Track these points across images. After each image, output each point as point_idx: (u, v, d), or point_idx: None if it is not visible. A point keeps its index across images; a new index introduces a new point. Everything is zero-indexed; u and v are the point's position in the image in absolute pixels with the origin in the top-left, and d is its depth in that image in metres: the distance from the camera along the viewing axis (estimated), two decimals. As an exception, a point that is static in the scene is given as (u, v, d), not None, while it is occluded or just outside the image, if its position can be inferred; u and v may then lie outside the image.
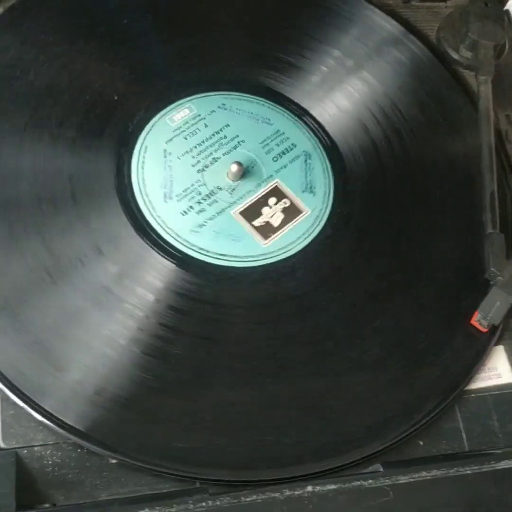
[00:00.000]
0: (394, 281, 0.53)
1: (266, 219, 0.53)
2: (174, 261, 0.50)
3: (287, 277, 0.51)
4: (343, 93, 0.59)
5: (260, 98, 0.58)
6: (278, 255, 0.52)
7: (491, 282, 0.52)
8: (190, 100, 0.57)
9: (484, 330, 0.52)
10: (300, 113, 0.58)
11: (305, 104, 0.58)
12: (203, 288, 0.50)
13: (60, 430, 0.45)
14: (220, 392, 0.48)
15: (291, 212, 0.53)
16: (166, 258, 0.50)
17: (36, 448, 0.45)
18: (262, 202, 0.53)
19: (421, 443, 0.49)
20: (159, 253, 0.50)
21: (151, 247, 0.51)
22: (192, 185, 0.53)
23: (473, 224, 0.55)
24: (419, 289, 0.53)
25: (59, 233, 0.50)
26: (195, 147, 0.55)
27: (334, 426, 0.48)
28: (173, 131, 0.55)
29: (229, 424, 0.47)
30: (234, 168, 0.53)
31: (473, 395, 0.51)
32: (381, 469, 0.45)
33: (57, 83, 0.55)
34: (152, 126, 0.55)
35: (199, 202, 0.53)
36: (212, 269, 0.51)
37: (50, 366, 0.47)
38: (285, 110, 0.58)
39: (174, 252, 0.51)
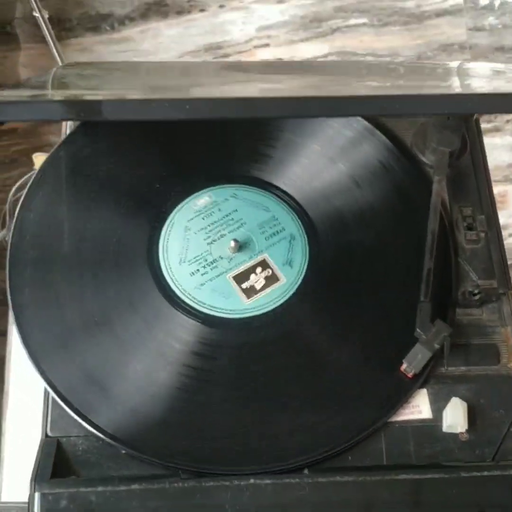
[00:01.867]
0: (345, 336, 0.70)
1: (252, 283, 0.71)
2: (184, 313, 0.70)
3: (260, 328, 0.70)
4: (323, 182, 0.77)
5: (260, 190, 0.77)
6: (255, 311, 0.71)
7: (419, 339, 0.68)
8: (210, 190, 0.77)
9: (410, 376, 0.67)
10: (289, 201, 0.76)
11: (296, 196, 0.77)
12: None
13: (89, 427, 0.65)
14: (212, 409, 0.67)
15: (271, 280, 0.72)
16: (178, 311, 0.70)
17: (71, 438, 0.65)
18: (250, 270, 0.72)
19: (350, 457, 0.65)
20: (174, 308, 0.70)
21: (169, 303, 0.71)
22: (201, 253, 0.73)
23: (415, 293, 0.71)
24: (365, 344, 0.70)
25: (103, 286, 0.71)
26: (209, 225, 0.75)
27: (284, 442, 0.65)
28: (195, 213, 0.75)
29: (210, 431, 0.66)
30: (232, 243, 0.72)
31: (397, 425, 0.67)
32: (307, 472, 0.63)
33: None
34: (180, 208, 0.76)
35: (204, 267, 0.72)
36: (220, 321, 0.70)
37: (88, 382, 0.67)
38: (279, 199, 0.76)
39: (184, 305, 0.71)
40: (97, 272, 0.72)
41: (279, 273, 0.72)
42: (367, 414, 0.67)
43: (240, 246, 0.73)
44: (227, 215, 0.75)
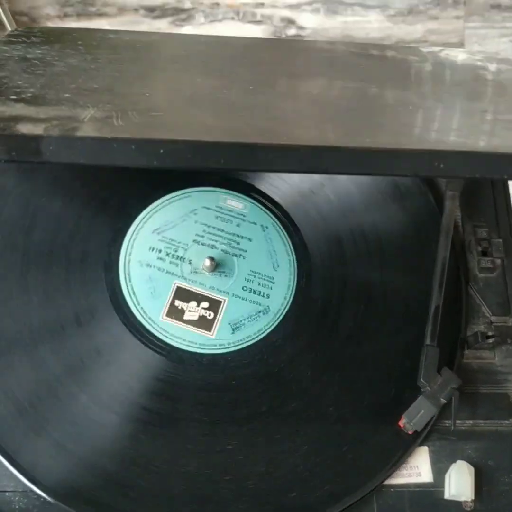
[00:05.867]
0: (334, 375, 0.60)
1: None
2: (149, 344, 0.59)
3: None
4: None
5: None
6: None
7: (422, 390, 0.58)
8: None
9: (409, 433, 0.58)
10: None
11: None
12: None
13: (28, 483, 0.55)
14: (176, 466, 0.57)
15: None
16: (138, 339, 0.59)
17: (7, 493, 0.55)
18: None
19: (339, 525, 0.56)
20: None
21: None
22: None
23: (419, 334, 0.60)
24: (357, 392, 0.59)
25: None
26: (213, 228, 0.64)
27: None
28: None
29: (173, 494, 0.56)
30: (207, 262, 0.61)
31: (392, 489, 0.57)
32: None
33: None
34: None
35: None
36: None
37: (27, 429, 0.56)
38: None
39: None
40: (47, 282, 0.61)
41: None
42: (359, 477, 0.57)
43: (217, 265, 0.62)
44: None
